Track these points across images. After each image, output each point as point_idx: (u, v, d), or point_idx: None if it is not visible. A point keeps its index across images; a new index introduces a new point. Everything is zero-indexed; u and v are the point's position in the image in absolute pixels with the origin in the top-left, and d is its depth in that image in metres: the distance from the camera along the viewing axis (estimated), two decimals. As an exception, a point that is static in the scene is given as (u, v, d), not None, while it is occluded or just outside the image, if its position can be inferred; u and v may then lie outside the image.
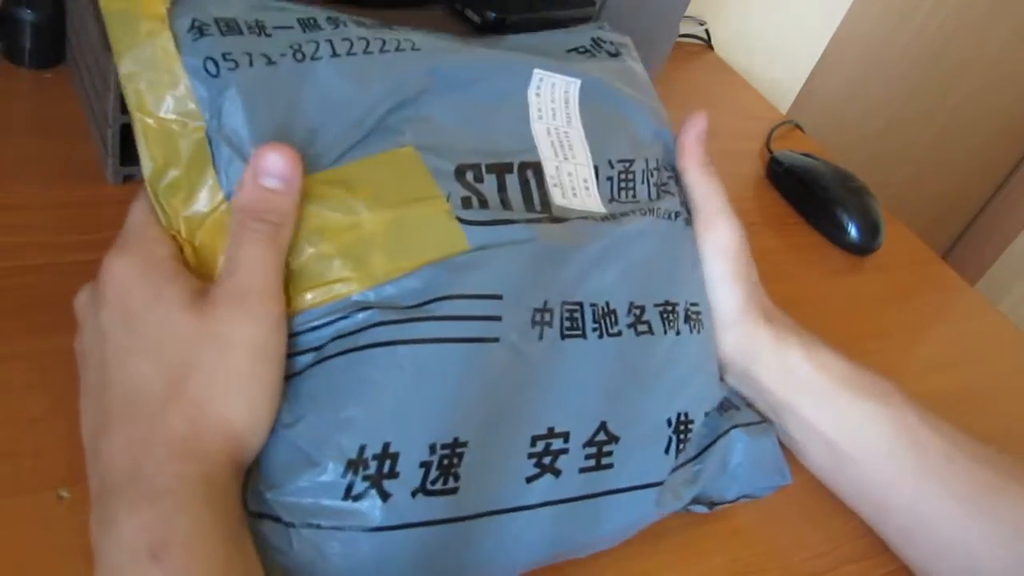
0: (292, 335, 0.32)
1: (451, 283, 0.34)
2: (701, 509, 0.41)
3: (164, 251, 0.32)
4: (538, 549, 0.35)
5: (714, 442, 0.41)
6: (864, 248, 0.69)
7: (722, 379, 0.45)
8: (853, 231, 0.69)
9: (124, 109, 0.37)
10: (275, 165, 0.31)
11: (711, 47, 0.96)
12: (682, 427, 0.39)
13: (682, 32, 0.90)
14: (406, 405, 0.32)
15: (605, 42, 0.47)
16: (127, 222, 0.33)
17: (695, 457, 0.41)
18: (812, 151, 0.77)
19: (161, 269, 0.31)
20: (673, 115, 0.48)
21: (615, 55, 0.47)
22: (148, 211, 0.33)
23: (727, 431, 0.42)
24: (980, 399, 0.59)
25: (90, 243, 0.42)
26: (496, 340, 0.34)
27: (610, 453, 0.36)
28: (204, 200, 0.33)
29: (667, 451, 0.38)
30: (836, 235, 0.69)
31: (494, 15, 0.53)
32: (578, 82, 0.42)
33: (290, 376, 0.32)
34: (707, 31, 0.95)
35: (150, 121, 0.32)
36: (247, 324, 0.30)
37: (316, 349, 0.32)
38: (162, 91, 0.32)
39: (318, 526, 0.30)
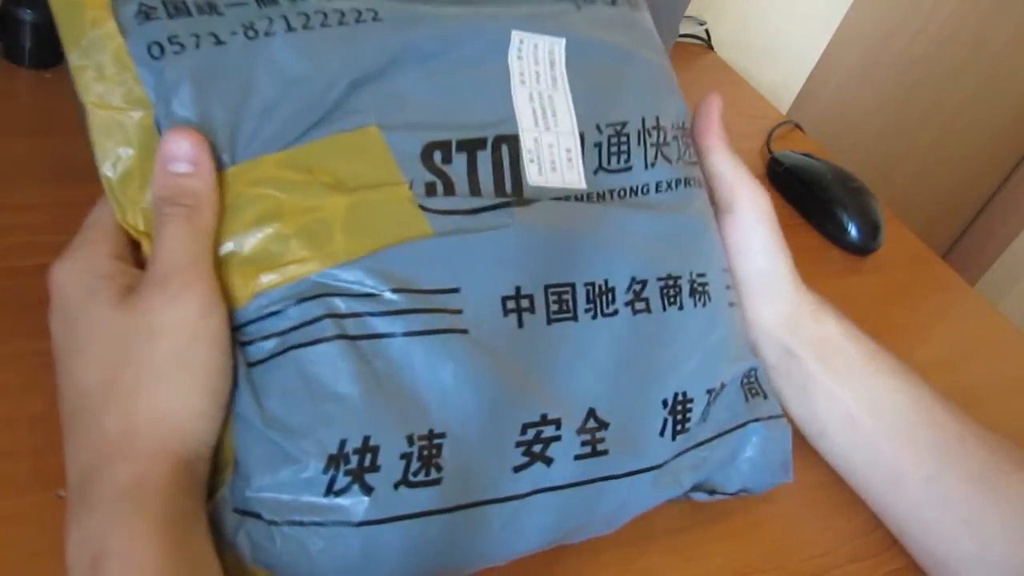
0: (252, 321, 0.31)
1: (410, 275, 0.33)
2: (701, 496, 0.40)
3: (104, 249, 0.32)
4: (532, 537, 0.34)
5: (730, 431, 0.40)
6: (864, 248, 0.69)
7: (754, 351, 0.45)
8: (853, 231, 0.69)
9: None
10: (180, 149, 0.31)
11: (711, 47, 0.95)
12: (679, 407, 0.38)
13: (682, 32, 0.90)
14: (380, 398, 0.31)
15: None
16: (82, 225, 0.33)
17: (709, 440, 0.40)
18: (812, 151, 0.77)
19: (97, 268, 0.31)
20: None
21: (612, 3, 0.43)
22: (103, 210, 0.33)
23: (745, 424, 0.41)
24: (980, 399, 0.59)
25: (90, 243, 0.42)
26: (465, 332, 0.33)
27: (603, 439, 0.35)
28: None
29: (662, 433, 0.37)
30: (836, 235, 0.69)
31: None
32: (563, 41, 0.39)
33: (253, 364, 0.31)
34: (707, 31, 0.95)
35: (101, 112, 0.31)
36: (171, 308, 0.29)
37: (280, 335, 0.31)
38: (110, 80, 0.31)
39: (301, 523, 0.30)
